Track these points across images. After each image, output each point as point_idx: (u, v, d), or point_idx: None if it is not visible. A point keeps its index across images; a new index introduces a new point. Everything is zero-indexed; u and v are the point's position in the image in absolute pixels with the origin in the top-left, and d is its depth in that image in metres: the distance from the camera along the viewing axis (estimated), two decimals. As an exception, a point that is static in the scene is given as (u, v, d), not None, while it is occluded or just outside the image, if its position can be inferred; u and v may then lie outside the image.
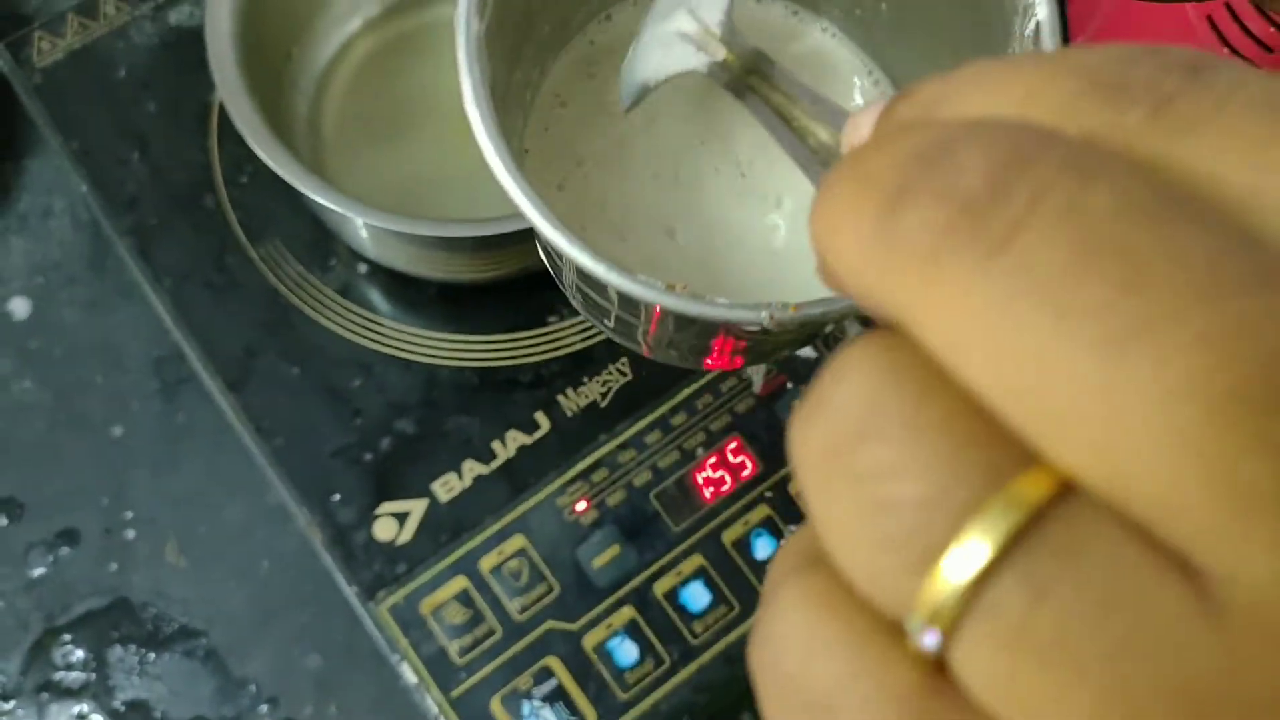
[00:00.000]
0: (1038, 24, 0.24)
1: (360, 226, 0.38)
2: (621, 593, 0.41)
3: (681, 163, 0.30)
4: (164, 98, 0.47)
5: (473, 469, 0.43)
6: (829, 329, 0.33)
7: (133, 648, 0.45)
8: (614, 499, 0.42)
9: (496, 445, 0.43)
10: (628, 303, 0.26)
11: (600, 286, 0.25)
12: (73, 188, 0.51)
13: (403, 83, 0.47)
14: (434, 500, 0.42)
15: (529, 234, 0.32)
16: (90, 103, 0.47)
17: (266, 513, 0.45)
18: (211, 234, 0.45)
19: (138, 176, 0.46)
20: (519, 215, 0.24)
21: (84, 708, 0.44)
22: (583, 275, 0.25)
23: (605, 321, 0.29)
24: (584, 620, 0.41)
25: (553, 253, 0.27)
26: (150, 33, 0.48)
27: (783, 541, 0.21)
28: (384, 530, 0.42)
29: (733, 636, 0.41)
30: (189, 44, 0.48)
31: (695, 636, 0.41)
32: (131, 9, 0.48)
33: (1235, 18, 0.44)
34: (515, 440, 0.43)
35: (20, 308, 0.50)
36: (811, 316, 0.23)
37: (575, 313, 0.45)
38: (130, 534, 0.46)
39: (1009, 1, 0.24)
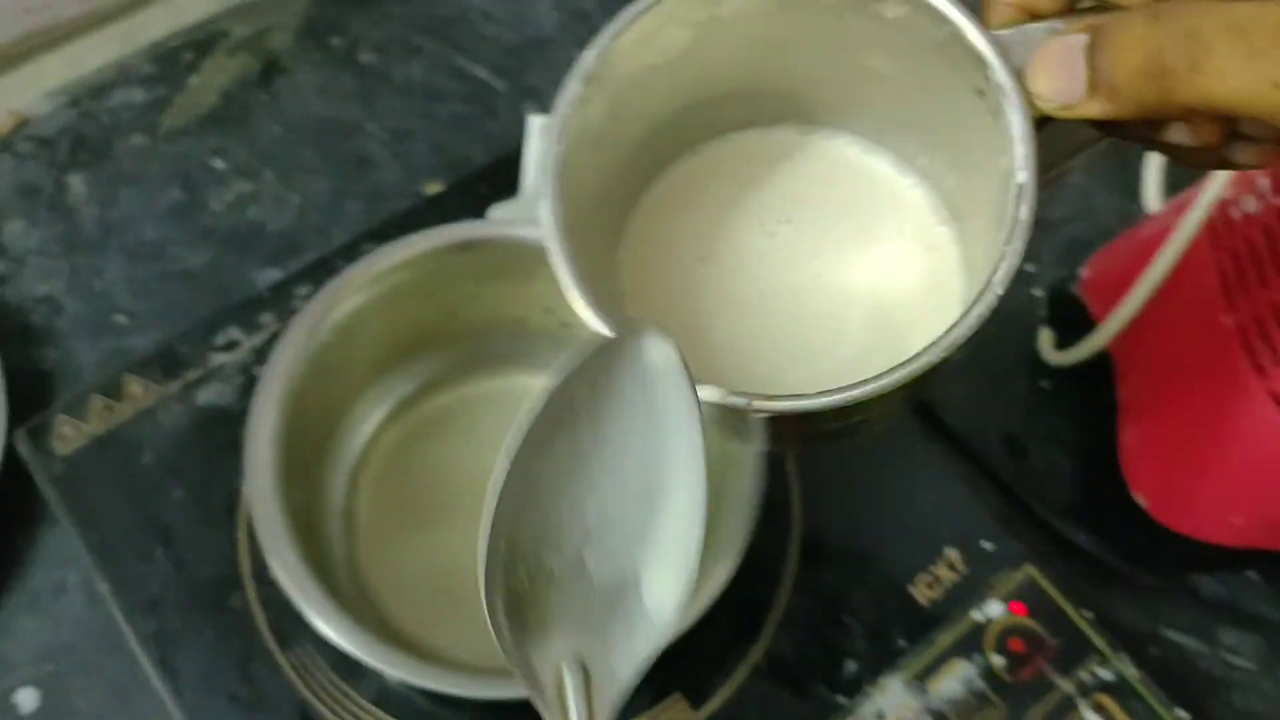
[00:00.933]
0: (1019, 187, 0.25)
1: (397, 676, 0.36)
2: None
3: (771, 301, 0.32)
4: (191, 484, 0.45)
5: None
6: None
7: None
8: None
9: None
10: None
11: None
12: (88, 560, 0.49)
13: (435, 465, 0.46)
14: None
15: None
16: (113, 493, 0.45)
17: None
18: (238, 638, 0.42)
19: (161, 574, 0.43)
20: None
21: None
22: None
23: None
24: None
25: None
26: (178, 413, 0.46)
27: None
28: None
29: None
30: (218, 425, 0.46)
31: None
32: (160, 388, 0.47)
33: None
34: None
35: (28, 700, 0.46)
36: (782, 409, 0.26)
37: (627, 715, 0.42)
38: None
39: (1004, 162, 0.26)
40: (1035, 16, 0.26)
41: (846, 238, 0.32)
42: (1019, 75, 0.25)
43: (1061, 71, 0.24)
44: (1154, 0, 0.23)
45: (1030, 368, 0.56)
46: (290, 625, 0.43)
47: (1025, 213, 0.25)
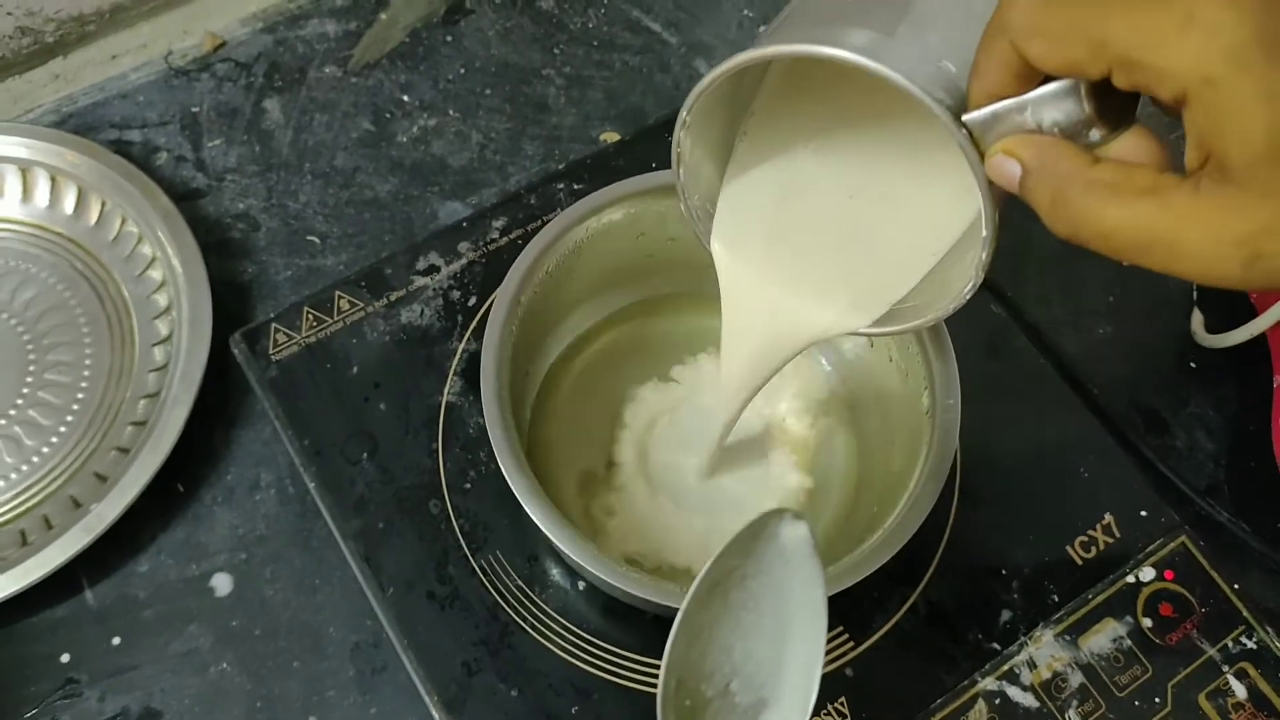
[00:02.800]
0: (984, 239, 0.32)
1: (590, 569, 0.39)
2: None
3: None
4: (394, 397, 0.48)
5: (688, 809, 0.42)
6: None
7: None
8: None
9: (712, 784, 0.42)
10: None
11: None
12: (280, 461, 0.52)
13: (611, 393, 0.48)
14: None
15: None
16: (322, 399, 0.48)
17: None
18: (435, 542, 0.46)
19: (366, 478, 0.46)
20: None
21: None
22: None
23: None
24: None
25: None
26: (382, 330, 0.49)
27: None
28: None
29: None
30: (417, 343, 0.49)
31: None
32: (365, 306, 0.50)
33: None
34: (732, 781, 0.42)
35: (223, 583, 0.50)
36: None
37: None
38: (324, 839, 0.46)
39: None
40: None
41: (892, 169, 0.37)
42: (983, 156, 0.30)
43: (1004, 181, 0.29)
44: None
45: (1179, 347, 0.57)
46: (482, 533, 0.46)
47: (985, 261, 0.32)
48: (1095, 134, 0.28)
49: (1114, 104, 0.28)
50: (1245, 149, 0.24)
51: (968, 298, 0.34)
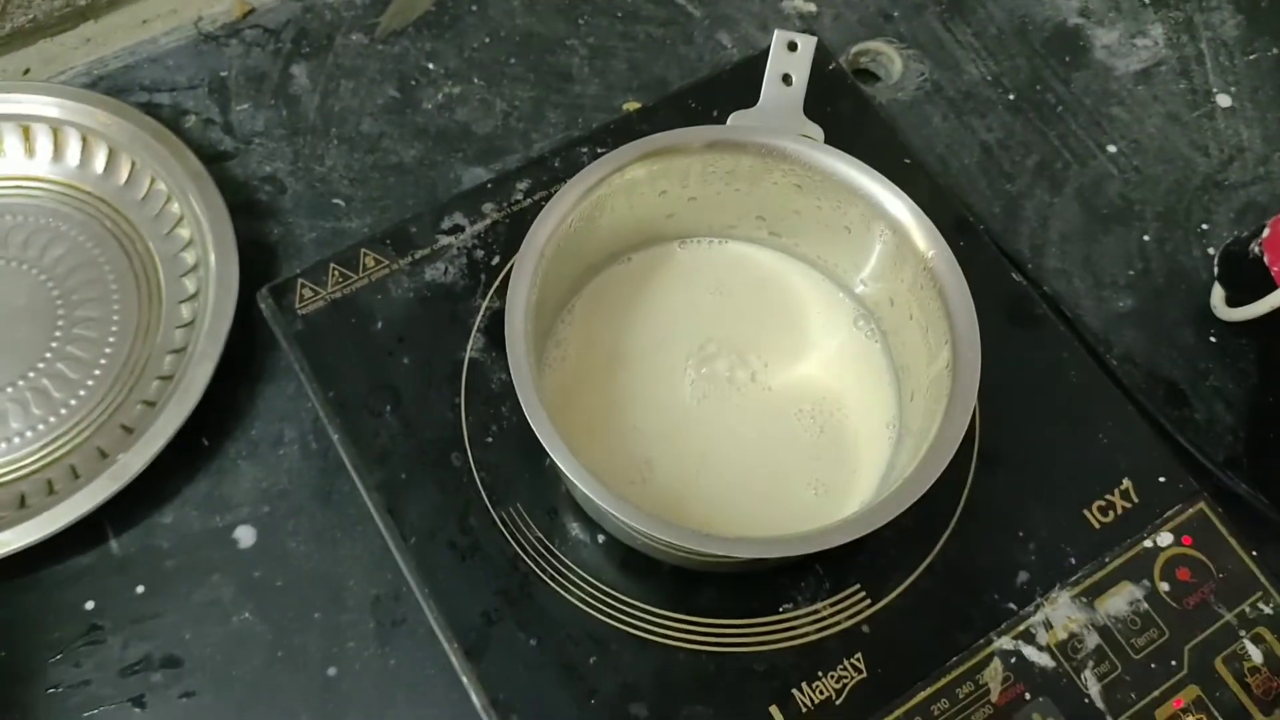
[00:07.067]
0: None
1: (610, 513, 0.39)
2: None
3: None
4: (417, 352, 0.48)
5: (704, 761, 0.42)
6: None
7: None
8: (850, 808, 0.41)
9: (727, 737, 0.43)
10: None
11: None
12: (303, 417, 0.53)
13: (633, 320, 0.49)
14: (667, 796, 0.41)
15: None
16: (347, 353, 0.48)
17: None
18: (457, 494, 0.46)
19: (389, 430, 0.47)
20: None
21: None
22: None
23: None
24: None
25: None
26: (406, 287, 0.50)
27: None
28: (617, 823, 0.41)
29: None
30: (442, 300, 0.50)
31: None
32: (390, 263, 0.50)
33: None
34: (747, 734, 0.43)
35: (246, 535, 0.51)
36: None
37: (810, 601, 0.45)
38: (342, 786, 0.46)
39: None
40: None
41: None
42: None
43: None
44: None
45: (1199, 321, 0.57)
46: (503, 486, 0.46)
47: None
48: None
49: None
50: None
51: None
